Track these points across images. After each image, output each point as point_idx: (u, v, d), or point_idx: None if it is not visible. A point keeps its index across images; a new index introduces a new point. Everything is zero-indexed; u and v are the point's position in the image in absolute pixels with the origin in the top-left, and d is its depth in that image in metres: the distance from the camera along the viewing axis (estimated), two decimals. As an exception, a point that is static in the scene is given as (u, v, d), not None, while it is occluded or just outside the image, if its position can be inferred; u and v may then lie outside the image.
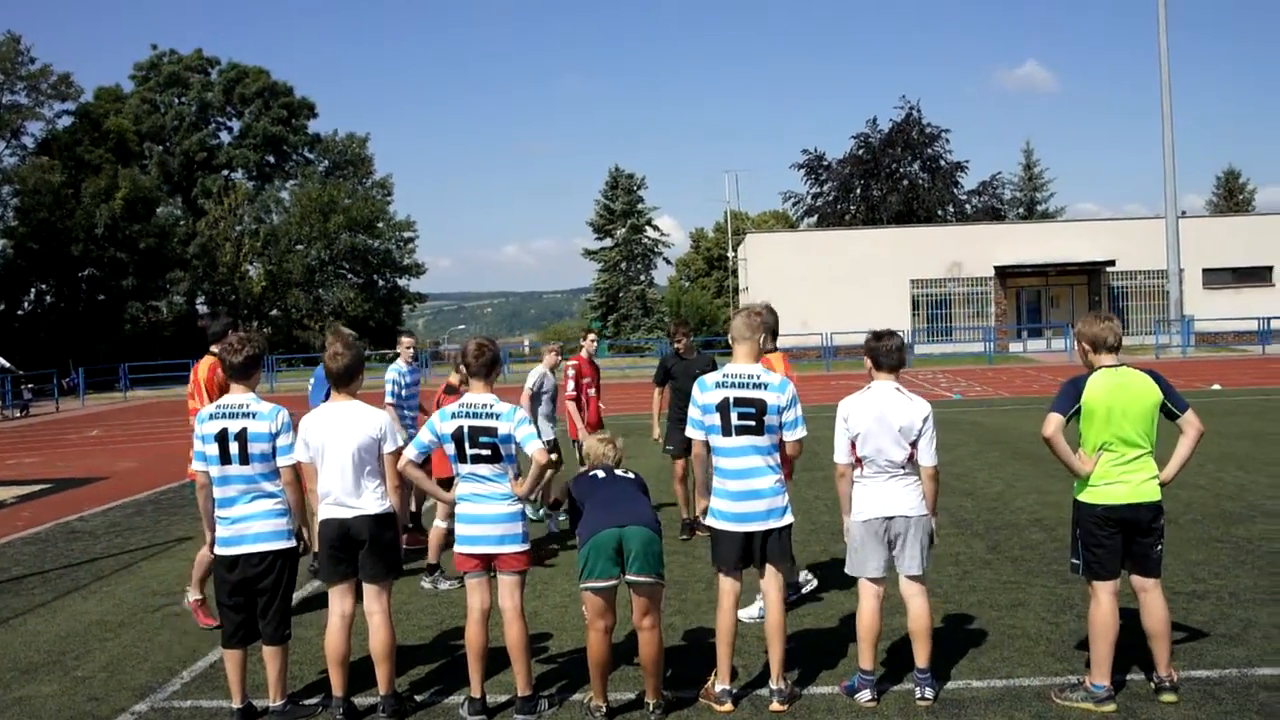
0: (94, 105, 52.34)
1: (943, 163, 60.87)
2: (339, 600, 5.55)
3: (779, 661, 5.47)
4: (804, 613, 7.05)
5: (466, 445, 5.39)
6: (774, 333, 7.07)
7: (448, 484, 6.08)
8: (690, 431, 5.65)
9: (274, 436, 5.45)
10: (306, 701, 5.75)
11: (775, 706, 5.41)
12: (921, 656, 5.47)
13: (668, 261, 75.70)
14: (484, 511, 5.42)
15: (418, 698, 5.77)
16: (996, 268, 43.52)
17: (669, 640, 6.05)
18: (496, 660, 5.73)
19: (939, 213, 60.26)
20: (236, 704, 5.50)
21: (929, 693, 5.42)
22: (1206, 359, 34.65)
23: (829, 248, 45.62)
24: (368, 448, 5.48)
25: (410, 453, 5.53)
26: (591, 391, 10.44)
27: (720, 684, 5.49)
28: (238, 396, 5.58)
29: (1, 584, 8.93)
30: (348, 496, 5.45)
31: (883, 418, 5.45)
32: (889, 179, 60.94)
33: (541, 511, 10.14)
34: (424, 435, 5.55)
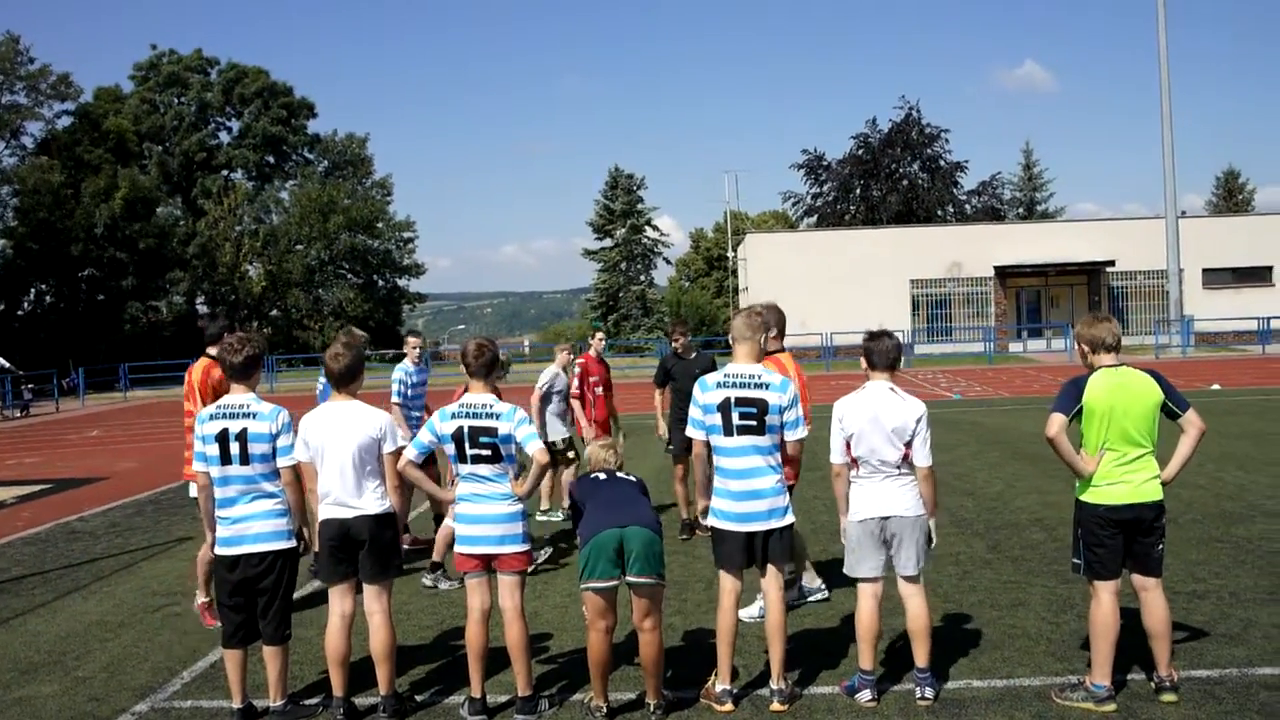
0: (93, 105, 52.33)
1: (942, 163, 60.90)
2: (339, 600, 5.55)
3: (779, 661, 5.47)
4: (804, 613, 7.05)
5: (466, 445, 5.40)
6: (781, 332, 7.08)
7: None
8: (691, 431, 5.65)
9: (274, 437, 5.45)
10: (307, 702, 5.75)
11: (776, 706, 5.41)
12: (921, 656, 5.47)
13: (668, 262, 75.76)
14: (484, 512, 5.42)
15: (418, 698, 5.78)
16: (996, 268, 43.54)
17: (669, 640, 6.05)
18: (497, 660, 5.73)
19: (939, 213, 60.28)
20: (237, 704, 5.50)
21: (929, 692, 5.42)
22: (1206, 359, 34.65)
23: (829, 248, 45.62)
24: (368, 448, 5.48)
25: (410, 453, 5.53)
26: (599, 390, 10.33)
27: (721, 684, 5.49)
28: (238, 397, 5.58)
29: (2, 584, 8.93)
30: (348, 496, 5.45)
31: (876, 418, 5.46)
32: (889, 179, 60.96)
33: (562, 513, 10.08)
34: (424, 435, 5.55)
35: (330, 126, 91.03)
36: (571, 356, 10.49)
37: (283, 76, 75.08)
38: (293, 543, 5.55)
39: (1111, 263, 42.39)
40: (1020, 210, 68.79)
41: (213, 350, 7.43)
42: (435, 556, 8.24)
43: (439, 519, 9.71)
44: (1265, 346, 37.69)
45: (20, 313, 48.96)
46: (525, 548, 5.51)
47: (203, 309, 56.10)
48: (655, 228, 71.44)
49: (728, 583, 5.54)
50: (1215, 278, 43.17)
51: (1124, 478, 5.29)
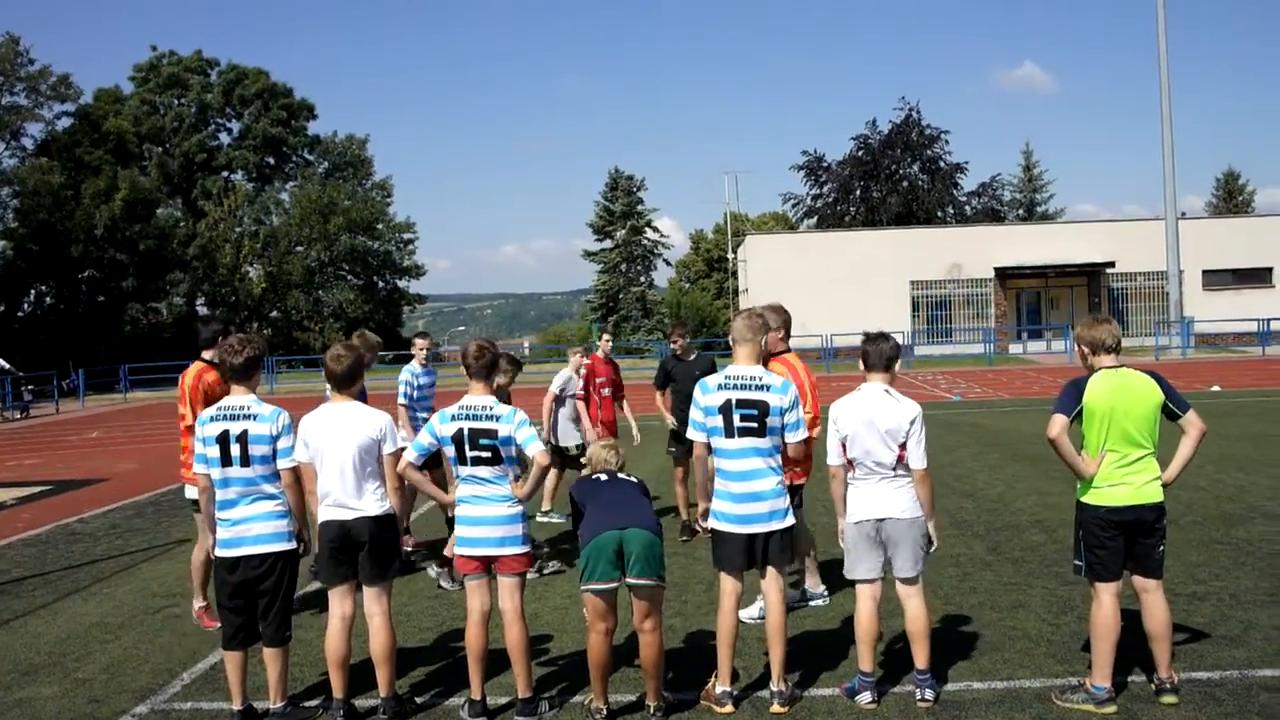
0: (93, 106, 52.34)
1: (942, 164, 60.94)
2: (339, 602, 5.55)
3: (780, 663, 5.47)
4: (805, 614, 7.05)
5: (466, 447, 5.39)
6: (788, 333, 7.09)
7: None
8: (691, 433, 5.64)
9: (275, 439, 5.45)
10: (307, 703, 5.75)
11: (776, 708, 5.41)
12: (920, 658, 5.47)
13: (667, 263, 75.80)
14: (484, 513, 5.42)
15: (418, 700, 5.78)
16: (996, 269, 43.56)
17: (669, 642, 6.05)
18: (497, 662, 5.73)
19: (939, 214, 60.31)
20: (237, 706, 5.49)
21: (929, 694, 5.42)
22: (1206, 360, 34.66)
23: (829, 249, 45.66)
24: (368, 449, 5.48)
25: (410, 455, 5.52)
26: (605, 391, 10.14)
27: (721, 686, 5.49)
28: (239, 398, 5.58)
29: (2, 586, 8.93)
30: (348, 498, 5.45)
31: (870, 420, 5.46)
32: (888, 180, 60.99)
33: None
34: (423, 437, 5.55)
35: (330, 128, 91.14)
36: (585, 359, 10.40)
37: (283, 78, 75.15)
38: (293, 544, 5.55)
39: (1111, 264, 42.43)
40: (1020, 212, 68.82)
41: (207, 354, 7.41)
42: (447, 551, 8.25)
43: (452, 522, 9.71)
44: (1265, 348, 37.67)
45: (20, 314, 48.96)
46: (525, 549, 5.51)
47: (203, 310, 56.08)
48: (655, 229, 71.52)
49: (728, 584, 5.53)
50: (1215, 279, 43.20)
51: (1125, 479, 5.29)
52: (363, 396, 8.55)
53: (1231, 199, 73.01)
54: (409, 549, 9.15)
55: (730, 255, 59.81)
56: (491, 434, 5.37)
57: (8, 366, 31.47)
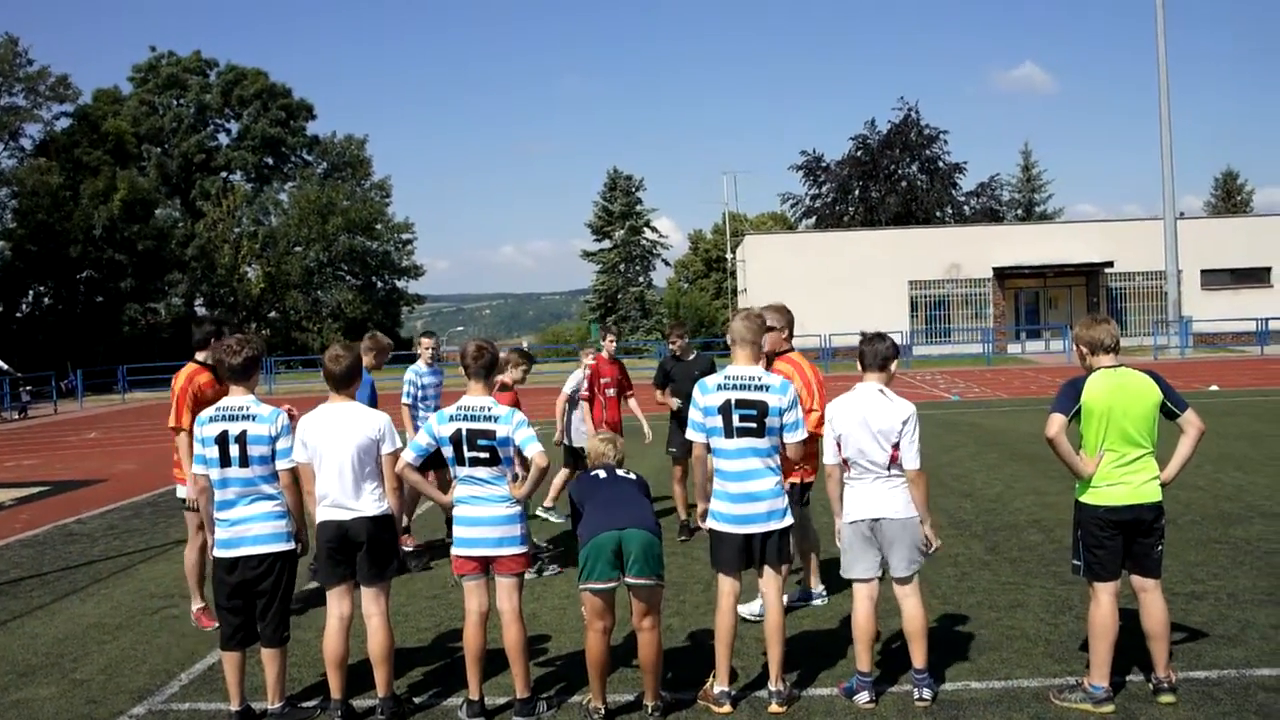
0: (92, 107, 52.32)
1: (941, 164, 60.94)
2: (337, 602, 5.55)
3: (778, 663, 5.47)
4: (803, 614, 7.05)
5: (465, 448, 5.39)
6: (791, 332, 7.11)
7: None
8: (690, 434, 5.64)
9: (273, 439, 5.45)
10: (305, 704, 5.74)
11: (774, 708, 5.41)
12: (918, 657, 5.48)
13: (666, 263, 75.79)
14: (482, 514, 5.42)
15: (416, 700, 5.78)
16: (995, 269, 43.57)
17: (668, 642, 6.05)
18: (495, 662, 5.73)
19: (937, 214, 60.32)
20: (235, 706, 5.49)
21: (927, 694, 5.42)
22: (1205, 360, 34.68)
23: (827, 249, 45.66)
24: (366, 449, 5.48)
25: (409, 455, 5.52)
26: (610, 392, 9.98)
27: (719, 685, 5.49)
28: (237, 399, 5.58)
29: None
30: (346, 498, 5.45)
31: (864, 419, 5.47)
32: (887, 180, 60.99)
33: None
34: (422, 438, 5.55)
35: (329, 128, 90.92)
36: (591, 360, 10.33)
37: (282, 78, 75.21)
38: (292, 545, 5.55)
39: (1110, 264, 42.44)
40: (1019, 212, 68.84)
41: (200, 355, 7.41)
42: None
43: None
44: (1264, 347, 37.70)
45: (19, 315, 48.94)
46: (523, 550, 5.51)
47: (202, 311, 56.08)
48: (654, 229, 71.54)
49: (726, 584, 5.53)
50: (1213, 279, 43.21)
51: (1123, 479, 5.29)
52: (373, 396, 8.63)
53: (1230, 199, 73.03)
54: (408, 549, 9.16)
55: (729, 255, 59.84)
56: (489, 434, 5.37)
57: (6, 367, 31.47)
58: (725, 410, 5.46)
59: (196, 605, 7.44)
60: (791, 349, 7.08)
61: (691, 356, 9.70)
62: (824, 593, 7.35)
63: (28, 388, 32.59)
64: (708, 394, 5.53)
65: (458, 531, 5.50)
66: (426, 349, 9.65)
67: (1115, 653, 5.33)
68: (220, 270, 57.03)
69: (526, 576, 5.93)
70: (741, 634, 6.01)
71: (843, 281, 42.44)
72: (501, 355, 8.94)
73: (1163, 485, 5.36)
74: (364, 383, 8.55)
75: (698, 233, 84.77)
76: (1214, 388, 23.61)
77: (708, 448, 5.59)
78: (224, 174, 65.58)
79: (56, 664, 6.70)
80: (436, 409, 9.40)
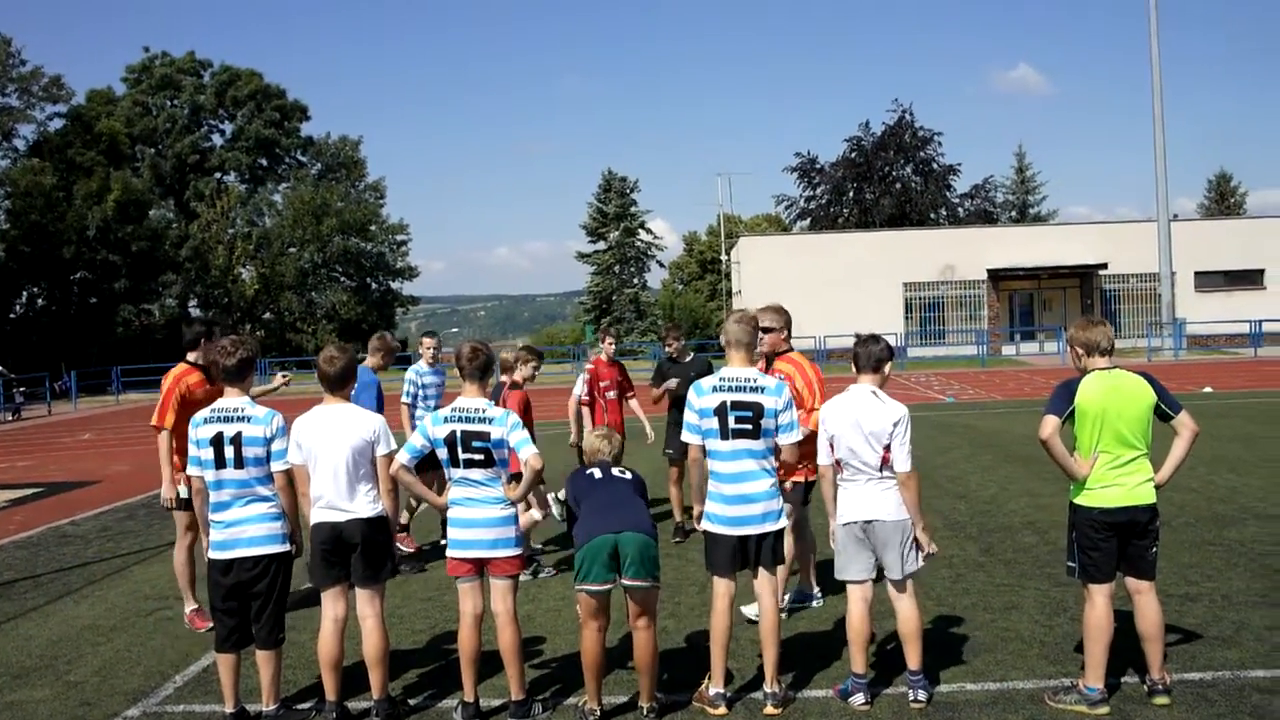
0: (86, 108, 52.20)
1: (935, 166, 61.01)
2: (332, 604, 5.54)
3: (773, 665, 5.47)
4: (798, 616, 7.06)
5: (459, 450, 5.39)
6: (789, 333, 7.12)
7: None
8: (686, 436, 5.62)
9: (269, 441, 5.44)
10: (300, 706, 5.73)
11: (769, 710, 5.41)
12: (913, 659, 5.48)
13: (661, 265, 75.81)
14: (476, 516, 5.41)
15: (411, 702, 5.77)
16: (989, 271, 43.61)
17: (663, 644, 6.04)
18: (491, 664, 5.72)
19: (931, 216, 60.38)
20: (229, 708, 5.48)
21: (922, 695, 5.42)
22: (1198, 362, 34.76)
23: (822, 251, 45.68)
24: (361, 451, 5.48)
25: (403, 457, 5.51)
26: (611, 395, 9.89)
27: (714, 687, 5.49)
28: (232, 400, 5.57)
29: (-7, 588, 8.90)
30: (340, 500, 5.44)
31: (856, 420, 5.49)
32: (881, 182, 61.04)
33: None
34: (416, 439, 5.54)
35: (323, 129, 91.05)
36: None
37: (276, 79, 74.85)
38: (287, 547, 5.54)
39: (1104, 266, 42.51)
40: (1013, 213, 68.93)
41: (191, 356, 7.41)
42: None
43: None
44: (1257, 349, 37.82)
45: (12, 315, 48.81)
46: (517, 552, 5.51)
47: (196, 312, 56.01)
48: (648, 231, 71.53)
49: (721, 586, 5.53)
50: (1207, 281, 43.30)
51: (1118, 480, 5.29)
52: (380, 396, 8.67)
53: (1223, 201, 73.19)
54: (409, 550, 9.17)
55: (723, 257, 59.86)
56: (484, 436, 5.36)
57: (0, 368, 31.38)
58: (721, 412, 5.46)
59: (190, 607, 7.43)
60: (791, 349, 7.09)
61: (688, 358, 9.69)
62: (819, 594, 7.36)
63: (21, 389, 32.52)
64: (703, 396, 5.53)
65: (452, 533, 5.49)
66: (428, 349, 9.66)
67: (1110, 654, 5.34)
68: (214, 271, 56.95)
69: (521, 578, 5.92)
70: (737, 635, 6.01)
71: (837, 283, 42.45)
72: (505, 354, 8.97)
73: (1157, 487, 5.37)
74: (370, 383, 8.66)
75: (692, 234, 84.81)
76: (1208, 389, 23.65)
77: (703, 450, 5.58)
78: (218, 175, 65.50)
79: (50, 666, 6.68)
80: (437, 409, 9.42)
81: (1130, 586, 5.43)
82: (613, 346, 10.17)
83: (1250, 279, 43.34)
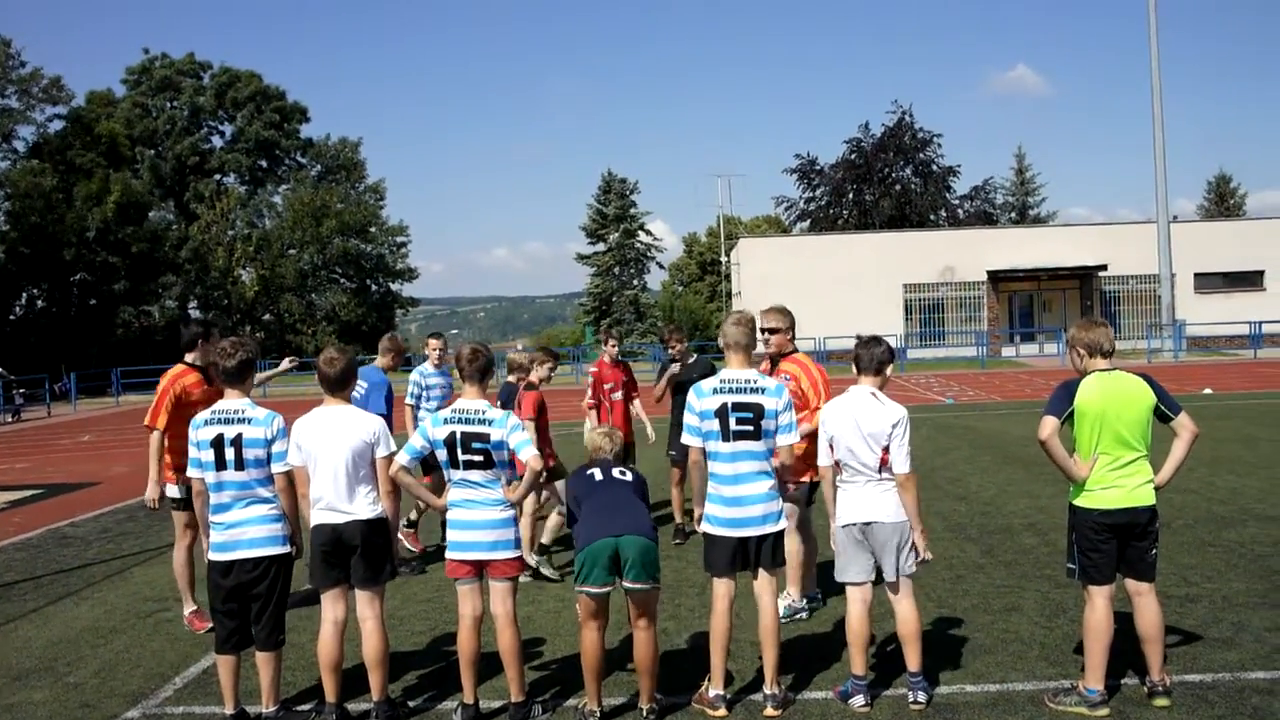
0: (85, 109, 52.21)
1: (935, 167, 61.03)
2: (331, 606, 5.54)
3: (773, 666, 5.47)
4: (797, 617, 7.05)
5: (459, 451, 5.38)
6: (794, 334, 7.13)
7: None
8: (686, 439, 5.61)
9: (269, 443, 5.44)
10: (299, 707, 5.73)
11: (769, 712, 5.41)
12: (912, 660, 5.48)
13: (660, 266, 75.72)
14: (476, 518, 5.41)
15: (411, 703, 5.77)
16: (989, 272, 43.62)
17: (662, 645, 6.04)
18: (491, 665, 5.72)
19: (931, 217, 60.39)
20: (229, 710, 5.48)
21: (921, 697, 5.42)
22: (1198, 363, 34.76)
23: (821, 252, 45.68)
24: (361, 452, 5.47)
25: (403, 458, 5.51)
26: (616, 396, 9.83)
27: (714, 689, 5.49)
28: (233, 402, 5.56)
29: (-8, 590, 8.90)
30: (340, 501, 5.44)
31: (855, 422, 5.49)
32: (881, 183, 61.05)
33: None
34: (416, 440, 5.54)
35: (323, 131, 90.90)
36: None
37: (276, 80, 75.07)
38: (287, 548, 5.54)
39: (1104, 267, 42.53)
40: (1012, 215, 68.94)
41: (189, 357, 7.42)
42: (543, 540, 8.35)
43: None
44: (1256, 351, 37.83)
45: (12, 317, 48.81)
46: (517, 554, 5.51)
47: (195, 314, 56.03)
48: (648, 232, 71.41)
49: (721, 588, 5.53)
50: (1207, 282, 43.32)
51: (1117, 482, 5.29)
52: (389, 396, 8.70)
53: (1223, 202, 73.22)
54: (415, 549, 9.19)
55: (723, 258, 59.85)
56: (484, 438, 5.36)
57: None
58: (722, 414, 5.46)
59: (189, 609, 7.42)
60: (796, 350, 7.11)
61: (691, 360, 9.69)
62: (819, 596, 7.35)
63: (21, 390, 32.51)
64: (704, 398, 5.52)
65: (451, 535, 5.49)
66: (434, 350, 9.68)
67: (1110, 656, 5.34)
68: (214, 273, 56.97)
69: (521, 580, 5.92)
70: (737, 637, 6.01)
71: (837, 285, 42.46)
72: (516, 355, 8.99)
73: (1157, 489, 5.37)
74: (380, 383, 8.71)
75: (692, 236, 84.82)
76: (1207, 391, 23.66)
77: (704, 452, 5.58)
78: (218, 176, 65.53)
79: (50, 668, 6.68)
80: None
81: (1130, 588, 5.43)
82: (615, 348, 10.14)
83: (1250, 280, 43.36)
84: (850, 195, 61.97)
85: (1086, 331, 5.45)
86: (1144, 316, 42.16)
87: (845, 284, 42.64)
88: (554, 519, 8.47)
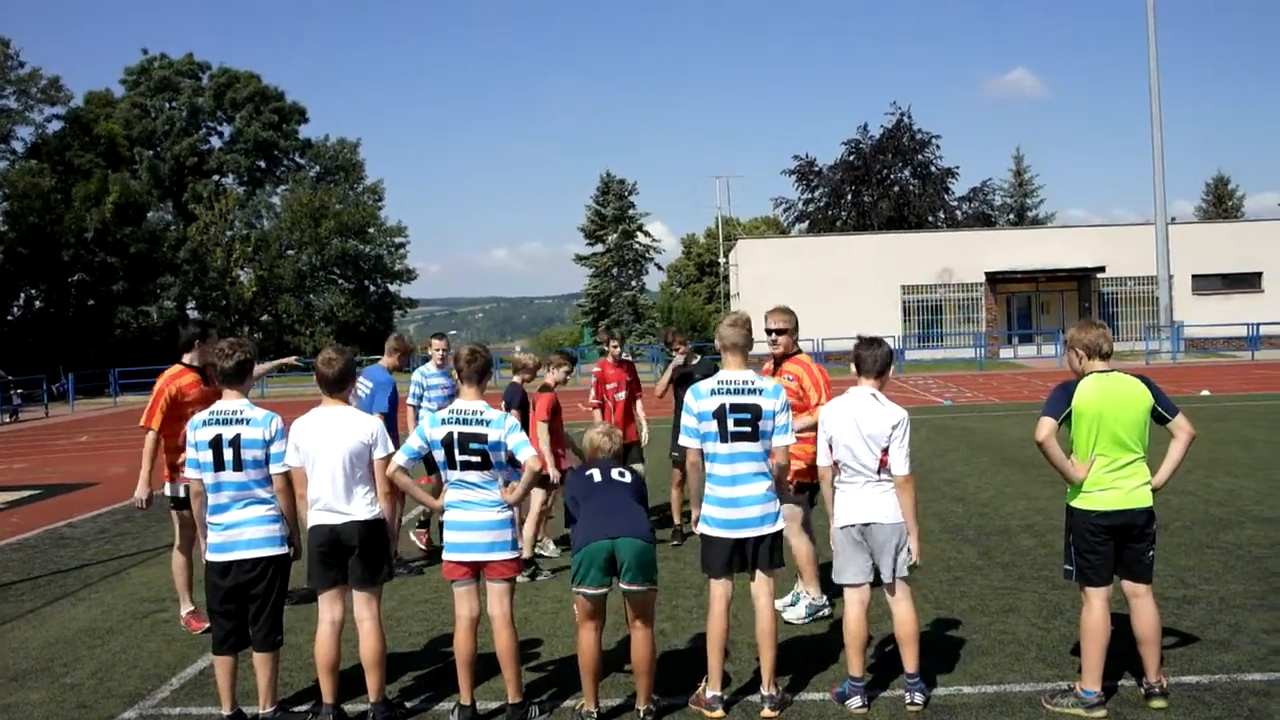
0: (84, 110, 52.24)
1: (933, 169, 61.08)
2: (329, 607, 5.53)
3: (770, 668, 5.47)
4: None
5: (456, 452, 5.38)
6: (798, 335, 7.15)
7: None
8: (684, 440, 5.61)
9: (267, 443, 5.44)
10: (297, 708, 5.73)
11: (766, 713, 5.41)
12: (910, 662, 5.48)
13: (659, 267, 75.63)
14: (473, 519, 5.41)
15: (408, 704, 5.76)
16: (987, 274, 43.67)
17: (660, 646, 6.04)
18: (488, 667, 5.72)
19: (929, 219, 60.43)
20: (226, 711, 5.48)
21: (919, 698, 5.42)
22: (1196, 365, 34.77)
23: (820, 253, 45.72)
24: (358, 453, 5.47)
25: (400, 459, 5.51)
26: (620, 396, 9.76)
27: (711, 690, 5.48)
28: (231, 402, 5.56)
29: (-10, 590, 8.89)
30: (338, 502, 5.44)
31: (855, 422, 5.49)
32: (880, 185, 61.09)
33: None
34: (413, 441, 5.54)
35: (322, 131, 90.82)
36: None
37: (274, 81, 75.05)
38: (285, 549, 5.54)
39: (1102, 269, 42.58)
40: (1011, 216, 68.97)
41: (186, 357, 7.42)
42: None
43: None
44: (1254, 352, 37.85)
45: (10, 318, 48.81)
46: (514, 555, 5.50)
47: (194, 314, 56.03)
48: (647, 233, 71.34)
49: (718, 589, 5.52)
50: (1205, 284, 43.39)
51: (1115, 484, 5.29)
52: (394, 395, 8.72)
53: (1221, 204, 73.30)
54: (424, 547, 9.21)
55: (722, 259, 59.86)
56: (481, 438, 5.36)
57: (-3, 370, 31.37)
58: (720, 415, 5.45)
59: (186, 609, 7.42)
60: (800, 351, 7.12)
61: (695, 361, 9.72)
62: (825, 600, 7.35)
63: (19, 391, 32.51)
64: (701, 399, 5.52)
65: (448, 536, 5.48)
66: (437, 350, 9.69)
67: (1107, 657, 5.34)
68: (212, 274, 56.97)
69: (519, 580, 5.92)
70: (734, 638, 6.01)
71: (835, 286, 42.49)
72: (521, 356, 9.03)
73: (1154, 490, 5.37)
74: (386, 383, 8.75)
75: (690, 237, 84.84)
76: (1205, 392, 23.66)
77: (701, 454, 5.58)
78: (216, 177, 65.53)
79: (47, 668, 6.68)
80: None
81: (1127, 590, 5.43)
82: (618, 348, 10.10)
83: (1248, 282, 43.43)
84: (849, 196, 62.01)
85: (1085, 333, 5.45)
86: (1142, 318, 42.20)
87: (843, 285, 42.68)
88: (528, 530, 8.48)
